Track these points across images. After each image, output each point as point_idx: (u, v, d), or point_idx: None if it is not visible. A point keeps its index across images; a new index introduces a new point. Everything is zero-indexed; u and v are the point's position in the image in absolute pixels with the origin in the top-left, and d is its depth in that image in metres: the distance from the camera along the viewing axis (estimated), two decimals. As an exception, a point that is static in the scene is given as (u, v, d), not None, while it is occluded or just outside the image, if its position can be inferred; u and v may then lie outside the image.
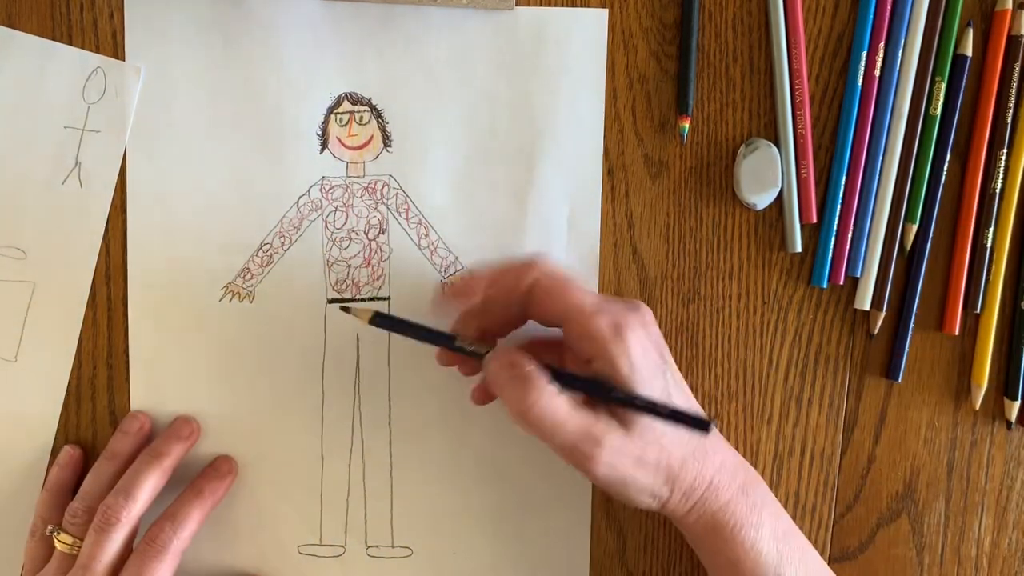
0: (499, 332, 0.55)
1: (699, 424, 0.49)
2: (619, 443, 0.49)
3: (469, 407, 0.59)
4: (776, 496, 0.60)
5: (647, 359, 0.50)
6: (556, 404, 0.48)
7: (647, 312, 0.52)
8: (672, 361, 0.53)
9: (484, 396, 0.56)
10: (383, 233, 0.60)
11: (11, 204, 0.59)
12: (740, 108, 0.60)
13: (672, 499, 0.52)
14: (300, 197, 0.60)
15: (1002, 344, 0.60)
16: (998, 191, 0.59)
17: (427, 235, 0.60)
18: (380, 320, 0.54)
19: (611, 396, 0.49)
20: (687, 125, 0.59)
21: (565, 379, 0.50)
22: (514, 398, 0.49)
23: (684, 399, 0.52)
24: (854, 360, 0.61)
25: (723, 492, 0.52)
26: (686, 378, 0.60)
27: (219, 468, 0.60)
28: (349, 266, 0.60)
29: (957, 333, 0.60)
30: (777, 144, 0.59)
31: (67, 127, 0.59)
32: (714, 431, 0.52)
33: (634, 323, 0.50)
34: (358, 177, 0.60)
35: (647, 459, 0.50)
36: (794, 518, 0.60)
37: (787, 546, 0.53)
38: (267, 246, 0.60)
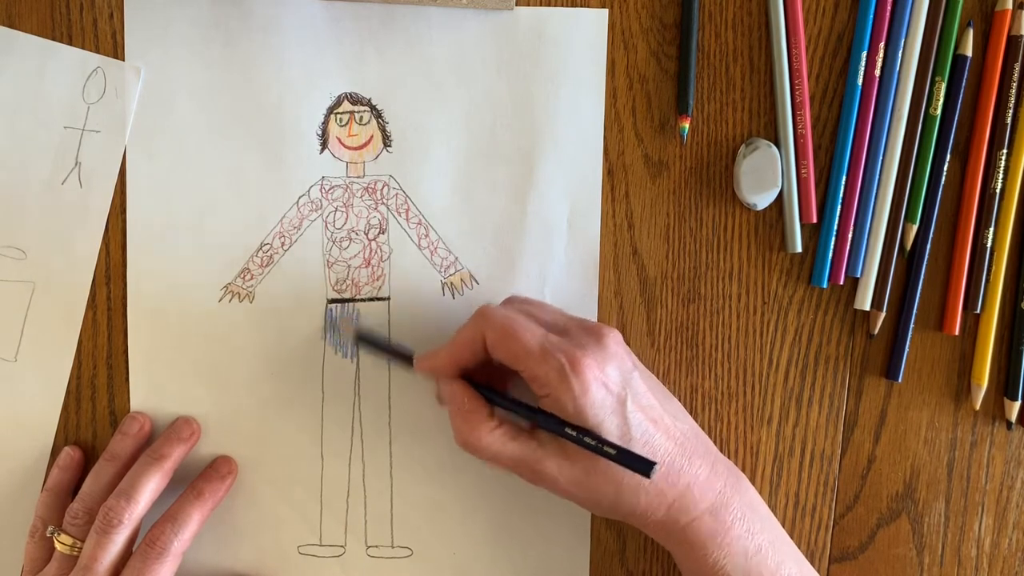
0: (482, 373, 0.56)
1: (642, 467, 0.49)
2: (557, 470, 0.51)
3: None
4: (776, 496, 0.60)
5: (597, 400, 0.50)
6: (491, 439, 0.52)
7: (610, 339, 0.52)
8: (640, 388, 0.52)
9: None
10: (383, 233, 0.60)
11: (11, 204, 0.60)
12: (740, 108, 0.60)
13: (628, 517, 0.52)
14: (300, 197, 0.60)
15: (1002, 344, 0.60)
16: (998, 191, 0.59)
17: (427, 235, 0.60)
18: (361, 339, 0.59)
19: (559, 432, 0.51)
20: (687, 125, 0.59)
21: (518, 408, 0.53)
22: (456, 428, 0.53)
23: (645, 430, 0.51)
24: (854, 360, 0.61)
25: (687, 513, 0.52)
26: (686, 378, 0.60)
27: (219, 469, 0.60)
28: (349, 266, 0.60)
29: (957, 333, 0.60)
30: (777, 144, 0.59)
31: (67, 127, 0.59)
32: (698, 441, 0.53)
33: (586, 361, 0.50)
34: (358, 177, 0.60)
35: (590, 484, 0.51)
36: (794, 518, 0.61)
37: (760, 564, 0.52)
38: (267, 246, 0.60)
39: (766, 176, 0.58)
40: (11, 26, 0.59)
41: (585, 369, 0.50)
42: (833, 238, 0.59)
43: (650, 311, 0.60)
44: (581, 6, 0.59)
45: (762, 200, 0.58)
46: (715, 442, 0.61)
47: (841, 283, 0.60)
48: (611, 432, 0.50)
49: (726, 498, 0.52)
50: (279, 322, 0.60)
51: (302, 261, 0.60)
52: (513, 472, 0.52)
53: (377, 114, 0.60)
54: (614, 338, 0.52)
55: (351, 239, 0.60)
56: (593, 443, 0.49)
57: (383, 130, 0.60)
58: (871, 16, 0.58)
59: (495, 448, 0.52)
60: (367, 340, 0.59)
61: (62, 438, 0.61)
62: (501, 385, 0.56)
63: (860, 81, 0.59)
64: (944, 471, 0.61)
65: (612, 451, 0.49)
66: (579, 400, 0.49)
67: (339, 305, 0.60)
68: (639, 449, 0.50)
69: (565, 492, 0.52)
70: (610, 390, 0.50)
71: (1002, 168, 0.59)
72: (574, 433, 0.50)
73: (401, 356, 0.57)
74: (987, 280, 0.59)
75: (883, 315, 0.60)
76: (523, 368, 0.51)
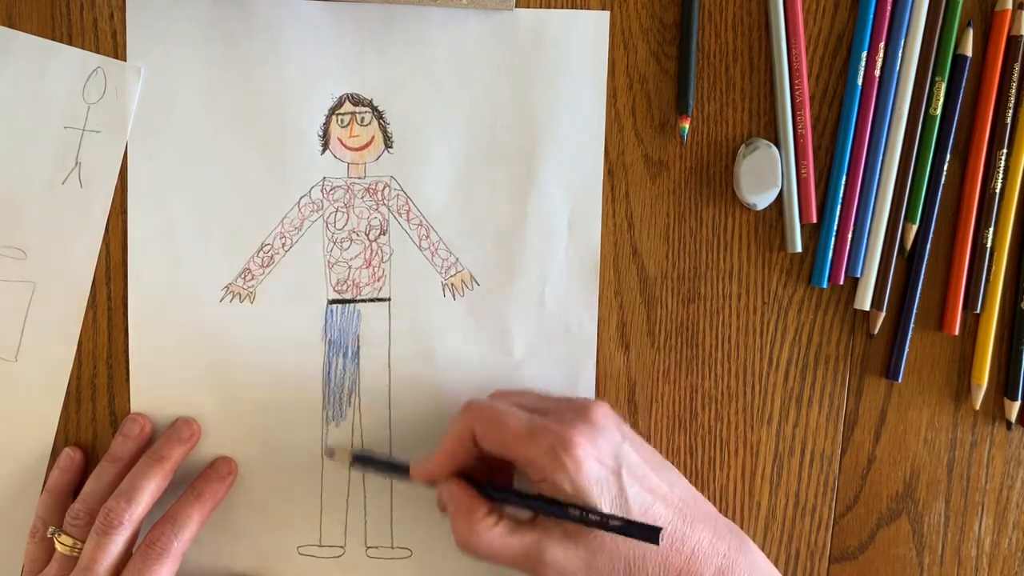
0: (482, 470, 0.55)
1: (649, 535, 0.49)
2: (563, 556, 0.50)
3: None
4: (776, 496, 0.60)
5: (592, 476, 0.50)
6: (491, 536, 0.51)
7: (597, 413, 0.52)
8: (633, 459, 0.51)
9: (443, 507, 0.56)
10: (384, 234, 0.60)
11: (11, 204, 0.59)
12: (740, 108, 0.60)
13: None
14: (301, 198, 0.60)
15: (1002, 344, 0.60)
16: (998, 191, 0.59)
17: (428, 236, 0.60)
18: (357, 461, 0.58)
19: (561, 515, 0.50)
20: (687, 125, 0.59)
21: (517, 498, 0.52)
22: (456, 530, 0.52)
23: (643, 501, 0.51)
24: (854, 360, 0.61)
25: None
26: (685, 378, 0.60)
27: (219, 469, 0.60)
28: (350, 267, 0.60)
29: (957, 333, 0.60)
30: (777, 144, 0.59)
31: (67, 127, 0.59)
32: (697, 506, 0.53)
33: (576, 439, 0.50)
34: (359, 178, 0.60)
35: (598, 565, 0.50)
36: (794, 518, 0.61)
37: None
38: (268, 247, 0.60)
39: (766, 176, 0.58)
40: (11, 26, 0.59)
41: (576, 447, 0.49)
42: (833, 238, 0.59)
43: (650, 311, 0.60)
44: (581, 7, 0.59)
45: (762, 200, 0.58)
46: (715, 442, 0.61)
47: (841, 283, 0.60)
48: (609, 507, 0.50)
49: (732, 560, 0.52)
50: (279, 322, 0.60)
51: (303, 262, 0.60)
52: (518, 569, 0.51)
53: (378, 115, 0.60)
54: (601, 411, 0.52)
55: (352, 240, 0.60)
56: (597, 519, 0.49)
57: (384, 131, 0.60)
58: (871, 16, 0.58)
59: (496, 545, 0.51)
60: (364, 461, 0.58)
61: (62, 438, 0.61)
62: (504, 482, 0.56)
63: (860, 81, 0.59)
64: (944, 471, 0.61)
65: (617, 523, 0.49)
66: (575, 478, 0.49)
67: (339, 311, 0.60)
68: (639, 520, 0.50)
69: None
70: (604, 464, 0.50)
71: (1002, 168, 0.59)
72: (577, 513, 0.49)
73: (399, 469, 0.56)
74: (987, 280, 0.59)
75: (883, 315, 0.60)
76: (514, 454, 0.51)
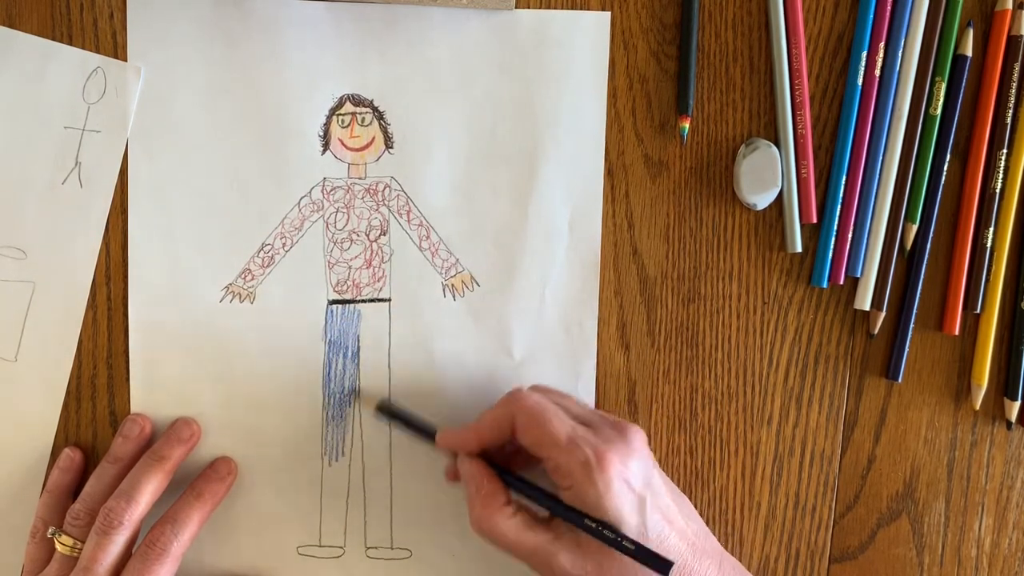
0: (501, 454, 0.56)
1: (659, 565, 0.49)
2: (570, 564, 0.51)
3: (469, 409, 0.59)
4: (776, 496, 0.60)
5: (619, 496, 0.50)
6: (507, 526, 0.52)
7: (635, 436, 0.52)
8: (660, 487, 0.52)
9: (455, 477, 0.57)
10: (384, 235, 0.60)
11: (11, 204, 0.59)
12: (740, 108, 0.60)
13: None
14: (301, 198, 0.60)
15: (1002, 344, 0.60)
16: (998, 191, 0.59)
17: (428, 237, 0.60)
18: (381, 411, 0.59)
19: (578, 524, 0.51)
20: (687, 125, 0.59)
21: (538, 496, 0.53)
22: (473, 512, 0.53)
23: (661, 530, 0.51)
24: (854, 360, 0.61)
25: None
26: (685, 378, 0.60)
27: (219, 470, 0.60)
28: (350, 267, 0.60)
29: (957, 333, 0.60)
30: (777, 144, 0.59)
31: (67, 127, 0.59)
32: (707, 541, 0.53)
33: (611, 457, 0.50)
34: (360, 178, 0.60)
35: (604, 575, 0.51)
36: (794, 518, 0.61)
37: None
38: (268, 247, 0.60)
39: (766, 176, 0.58)
40: (11, 26, 0.59)
41: (610, 465, 0.50)
42: (833, 238, 0.59)
43: (650, 311, 0.60)
44: (581, 7, 0.59)
45: (762, 200, 0.58)
46: (715, 442, 0.61)
47: (841, 283, 0.60)
48: (629, 529, 0.50)
49: None
50: (280, 323, 0.60)
51: (303, 262, 0.60)
52: (524, 561, 0.52)
53: (379, 115, 0.60)
54: (639, 436, 0.52)
55: (352, 240, 0.60)
56: (612, 536, 0.49)
57: (385, 131, 0.60)
58: (871, 16, 0.58)
59: (511, 536, 0.52)
60: (390, 412, 0.58)
61: (62, 438, 0.61)
62: (519, 468, 0.56)
63: (860, 81, 0.59)
64: (944, 471, 0.61)
65: (631, 546, 0.49)
66: (602, 495, 0.50)
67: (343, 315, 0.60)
68: (653, 548, 0.50)
69: None
70: (632, 488, 0.50)
71: (1002, 168, 0.59)
72: (594, 525, 0.50)
73: (424, 431, 0.57)
74: (987, 280, 0.59)
75: (883, 315, 0.60)
76: (548, 456, 0.51)
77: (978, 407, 0.60)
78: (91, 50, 0.59)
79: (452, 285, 0.60)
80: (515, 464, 0.56)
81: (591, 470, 0.50)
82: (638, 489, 0.51)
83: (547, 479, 0.52)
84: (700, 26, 0.59)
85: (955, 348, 0.60)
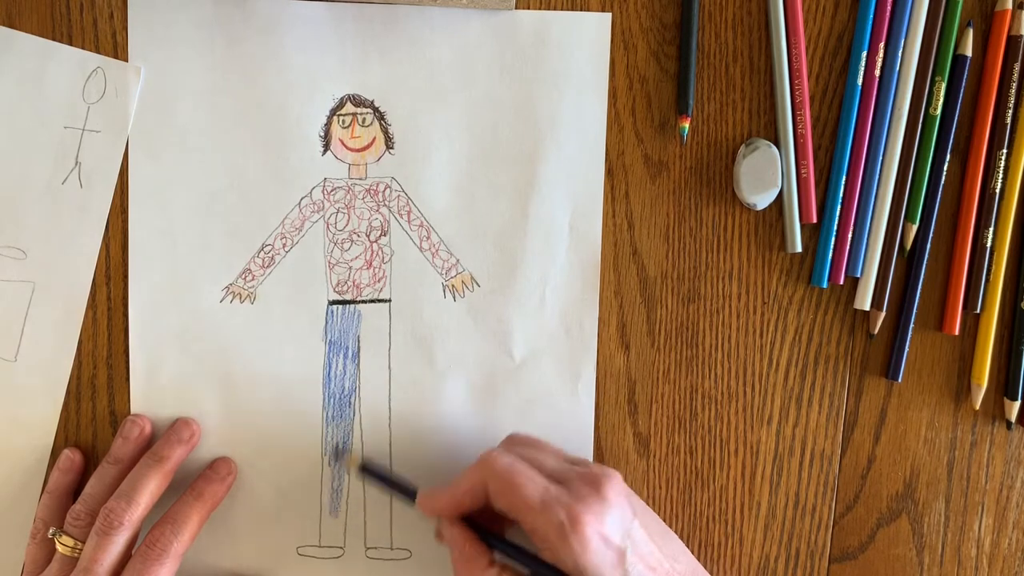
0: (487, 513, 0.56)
1: None
2: None
3: (469, 409, 0.59)
4: (776, 496, 0.60)
5: (597, 554, 0.50)
6: None
7: (610, 488, 0.51)
8: (639, 536, 0.52)
9: (443, 538, 0.56)
10: (385, 235, 0.60)
11: (11, 204, 0.59)
12: (740, 108, 0.60)
13: None
14: (302, 198, 0.60)
15: (1002, 344, 0.60)
16: (998, 191, 0.59)
17: (428, 237, 0.60)
18: (365, 471, 0.58)
19: None
20: (687, 125, 0.59)
21: (519, 557, 0.53)
22: (456, 573, 0.54)
23: None
24: (854, 360, 0.61)
25: None
26: (685, 378, 0.60)
27: (218, 470, 0.60)
28: (350, 268, 0.60)
29: (957, 333, 0.60)
30: (777, 144, 0.59)
31: (67, 127, 0.59)
32: None
33: (586, 518, 0.50)
34: (360, 179, 0.60)
35: None
36: (794, 518, 0.61)
37: None
38: (268, 247, 0.60)
39: (766, 176, 0.58)
40: (11, 26, 0.59)
41: (585, 526, 0.50)
42: (833, 238, 0.59)
43: (650, 311, 0.60)
44: (581, 8, 0.59)
45: (762, 200, 0.59)
46: (715, 442, 0.61)
47: (841, 283, 0.60)
48: None
49: None
50: (280, 323, 0.60)
51: (303, 262, 0.60)
52: None
53: (380, 116, 0.60)
54: (614, 487, 0.52)
55: (353, 241, 0.60)
56: None
57: (386, 132, 0.60)
58: (871, 16, 0.58)
59: None
60: (370, 472, 0.58)
61: (62, 438, 0.61)
62: (502, 525, 0.56)
63: (860, 81, 0.59)
64: (944, 471, 0.61)
65: None
66: (579, 556, 0.49)
67: (341, 313, 0.60)
68: None
69: None
70: (610, 544, 0.50)
71: (1002, 168, 0.59)
72: None
73: (404, 491, 0.57)
74: (987, 280, 0.59)
75: (883, 315, 0.60)
76: (523, 520, 0.51)
77: (978, 407, 0.60)
78: (91, 50, 0.59)
79: (452, 286, 0.60)
80: (504, 521, 0.56)
81: (566, 533, 0.49)
82: (616, 542, 0.50)
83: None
84: (700, 26, 0.59)
85: (955, 348, 0.60)
